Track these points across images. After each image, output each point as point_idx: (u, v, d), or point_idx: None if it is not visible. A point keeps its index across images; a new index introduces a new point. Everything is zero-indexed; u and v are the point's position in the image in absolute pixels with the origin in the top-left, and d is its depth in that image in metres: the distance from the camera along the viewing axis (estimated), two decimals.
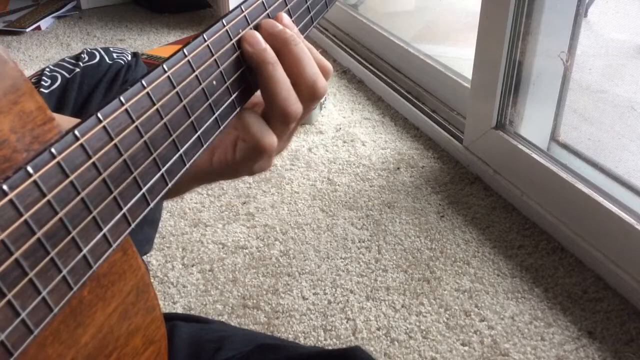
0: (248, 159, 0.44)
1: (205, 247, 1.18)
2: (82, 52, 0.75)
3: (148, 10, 2.54)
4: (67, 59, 0.74)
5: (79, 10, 2.56)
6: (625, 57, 1.60)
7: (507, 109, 1.27)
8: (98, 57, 0.73)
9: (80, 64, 0.72)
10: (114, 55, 0.74)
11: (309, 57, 0.42)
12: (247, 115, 0.42)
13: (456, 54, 1.70)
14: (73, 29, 2.36)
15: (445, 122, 1.49)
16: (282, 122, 0.42)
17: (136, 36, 2.29)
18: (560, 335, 0.97)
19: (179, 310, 1.05)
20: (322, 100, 1.66)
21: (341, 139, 1.54)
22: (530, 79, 1.23)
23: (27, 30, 2.31)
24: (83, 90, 0.69)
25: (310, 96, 0.43)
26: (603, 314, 1.00)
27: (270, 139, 0.42)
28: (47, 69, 0.72)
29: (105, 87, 0.70)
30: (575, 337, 0.97)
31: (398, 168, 1.42)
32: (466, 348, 0.96)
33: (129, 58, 0.75)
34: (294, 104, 0.42)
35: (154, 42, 2.23)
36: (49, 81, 0.70)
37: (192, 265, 1.14)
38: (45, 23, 2.38)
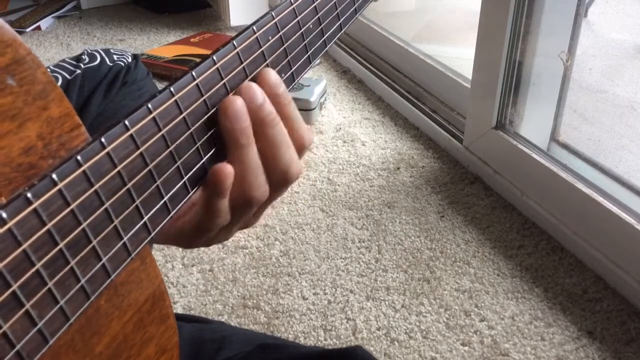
0: (199, 233, 0.40)
1: (205, 247, 1.18)
2: (82, 53, 0.74)
3: (148, 10, 2.54)
4: (67, 59, 0.74)
5: (79, 10, 2.56)
6: (625, 57, 1.60)
7: (507, 109, 1.27)
8: (99, 59, 0.73)
9: (81, 65, 0.71)
10: (115, 57, 0.74)
11: (287, 141, 0.38)
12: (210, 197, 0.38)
13: (456, 54, 1.70)
14: (73, 29, 2.36)
15: (445, 122, 1.49)
16: (242, 205, 0.38)
17: (136, 36, 2.29)
18: (560, 335, 0.97)
19: (179, 310, 1.05)
20: (322, 100, 1.66)
21: (341, 139, 1.54)
22: (530, 79, 1.24)
23: (27, 30, 2.31)
24: (84, 92, 0.69)
25: (281, 182, 0.39)
26: (603, 314, 1.00)
27: (223, 220, 0.38)
28: (48, 69, 0.71)
29: (104, 89, 0.70)
30: (575, 337, 0.97)
31: (398, 168, 1.42)
32: (466, 348, 0.96)
33: (129, 60, 0.75)
34: (260, 188, 0.38)
35: (154, 42, 2.23)
36: None
37: (192, 265, 1.14)
38: (45, 23, 2.38)
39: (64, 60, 0.73)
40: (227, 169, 0.36)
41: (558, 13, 1.17)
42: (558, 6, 1.17)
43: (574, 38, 1.18)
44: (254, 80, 0.39)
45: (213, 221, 0.39)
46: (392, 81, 1.70)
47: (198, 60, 1.99)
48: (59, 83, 0.69)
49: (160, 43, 2.19)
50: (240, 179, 0.37)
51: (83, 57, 0.73)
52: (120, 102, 0.69)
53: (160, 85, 2.01)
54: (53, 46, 2.20)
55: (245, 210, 0.39)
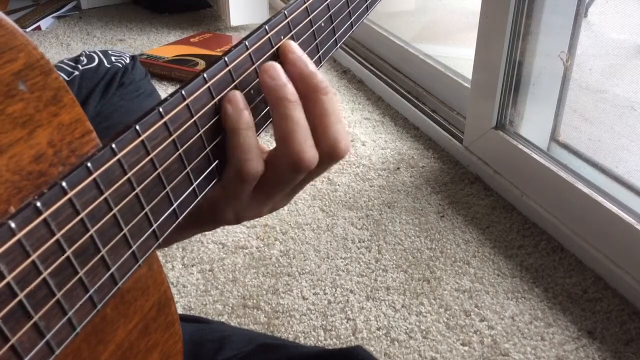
0: (237, 210, 0.39)
1: (205, 247, 1.18)
2: (81, 55, 0.75)
3: (148, 10, 2.54)
4: (66, 60, 0.74)
5: (79, 10, 2.56)
6: (625, 57, 1.60)
7: (507, 109, 1.27)
8: (97, 61, 0.73)
9: (79, 66, 0.72)
10: (112, 58, 0.74)
11: (338, 111, 0.38)
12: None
13: (456, 54, 1.70)
14: (73, 29, 2.36)
15: (445, 122, 1.49)
16: (292, 170, 0.37)
17: (136, 36, 2.29)
18: (560, 335, 0.97)
19: (179, 310, 1.05)
20: None
21: None
22: (530, 79, 1.23)
23: (27, 30, 2.31)
24: (82, 92, 0.69)
25: (328, 155, 0.38)
26: (603, 314, 1.00)
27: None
28: None
29: (101, 90, 0.70)
30: (575, 337, 0.97)
31: (398, 168, 1.42)
32: (466, 348, 0.96)
33: (127, 61, 0.75)
34: (310, 151, 0.37)
35: (154, 42, 2.23)
36: None
37: (192, 265, 1.14)
38: (45, 23, 2.38)
39: (62, 62, 0.73)
40: (238, 96, 0.35)
41: (558, 13, 1.17)
42: (558, 6, 1.17)
43: (574, 38, 1.18)
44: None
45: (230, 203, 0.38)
46: (392, 81, 1.70)
47: (198, 60, 1.95)
48: None
49: (160, 43, 2.19)
50: (290, 139, 0.36)
51: (81, 58, 0.73)
52: (117, 102, 0.69)
53: (159, 86, 2.00)
54: (53, 46, 2.21)
55: (293, 176, 0.38)
